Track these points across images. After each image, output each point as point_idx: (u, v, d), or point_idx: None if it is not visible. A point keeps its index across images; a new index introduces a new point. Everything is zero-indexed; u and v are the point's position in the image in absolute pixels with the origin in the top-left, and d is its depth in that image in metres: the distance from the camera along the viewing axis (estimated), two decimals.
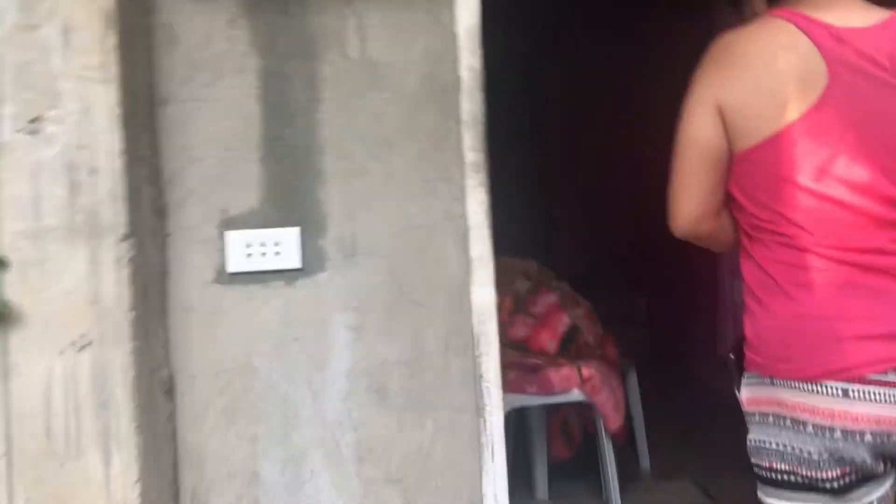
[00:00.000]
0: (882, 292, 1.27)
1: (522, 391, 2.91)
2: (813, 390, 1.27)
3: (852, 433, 1.26)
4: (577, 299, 3.33)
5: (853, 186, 1.27)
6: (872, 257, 1.28)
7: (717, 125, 1.32)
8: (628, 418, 3.38)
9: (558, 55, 5.90)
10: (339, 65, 1.77)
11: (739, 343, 1.39)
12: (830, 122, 1.26)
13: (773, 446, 1.33)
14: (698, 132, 1.34)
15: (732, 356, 1.42)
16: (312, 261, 1.75)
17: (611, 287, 5.33)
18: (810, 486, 1.29)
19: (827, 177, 1.27)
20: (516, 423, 3.39)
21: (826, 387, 1.26)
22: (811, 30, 1.29)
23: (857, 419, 1.25)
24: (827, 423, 1.27)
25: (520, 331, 3.11)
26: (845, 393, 1.25)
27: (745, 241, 1.40)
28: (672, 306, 5.30)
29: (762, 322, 1.34)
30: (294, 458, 1.75)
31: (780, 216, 1.30)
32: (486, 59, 1.81)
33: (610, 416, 2.92)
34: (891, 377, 1.25)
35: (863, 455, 1.26)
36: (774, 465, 1.32)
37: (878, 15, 1.33)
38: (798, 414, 1.29)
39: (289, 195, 1.75)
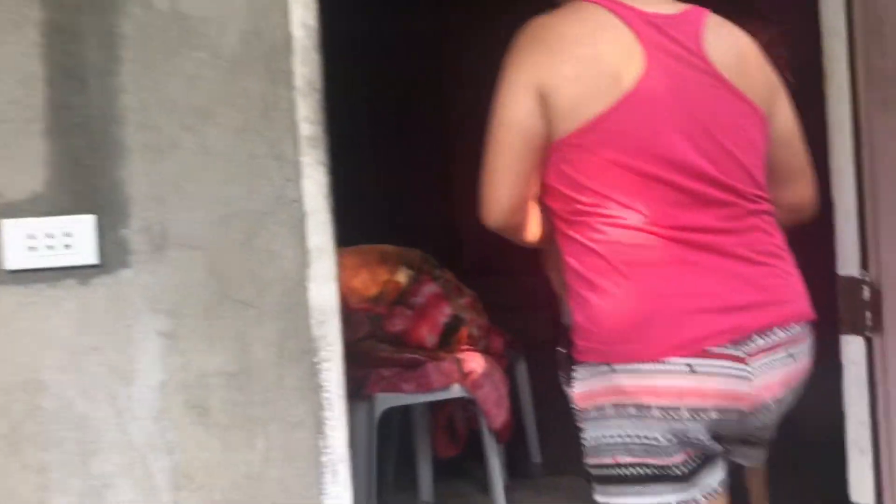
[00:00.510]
0: (713, 268, 1.26)
1: (399, 390, 2.67)
2: (656, 370, 1.23)
3: (699, 411, 1.23)
4: (461, 289, 3.10)
5: (676, 166, 1.26)
6: (700, 235, 1.26)
7: (536, 109, 1.27)
8: (518, 412, 3.20)
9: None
10: (143, 18, 1.47)
11: (568, 335, 1.33)
12: (650, 104, 1.25)
13: (617, 439, 1.26)
14: (517, 116, 1.28)
15: (563, 350, 1.34)
16: (112, 255, 1.46)
17: (513, 273, 5.11)
18: (658, 476, 1.25)
19: (651, 156, 1.25)
20: (400, 420, 3.17)
21: (670, 364, 1.22)
22: (625, 14, 1.29)
23: (704, 395, 1.23)
24: (674, 403, 1.23)
25: (398, 324, 2.86)
26: (691, 368, 1.22)
27: (564, 228, 1.33)
28: None
29: (596, 306, 1.27)
30: (95, 489, 1.46)
31: (606, 198, 1.26)
32: (325, 14, 1.55)
33: (492, 412, 2.72)
34: (730, 350, 1.24)
35: (703, 434, 1.25)
36: (620, 460, 1.26)
37: (679, 5, 1.35)
38: (641, 399, 1.24)
39: (81, 176, 1.45)
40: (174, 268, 1.48)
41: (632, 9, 1.29)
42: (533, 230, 1.38)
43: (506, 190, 1.31)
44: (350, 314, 2.93)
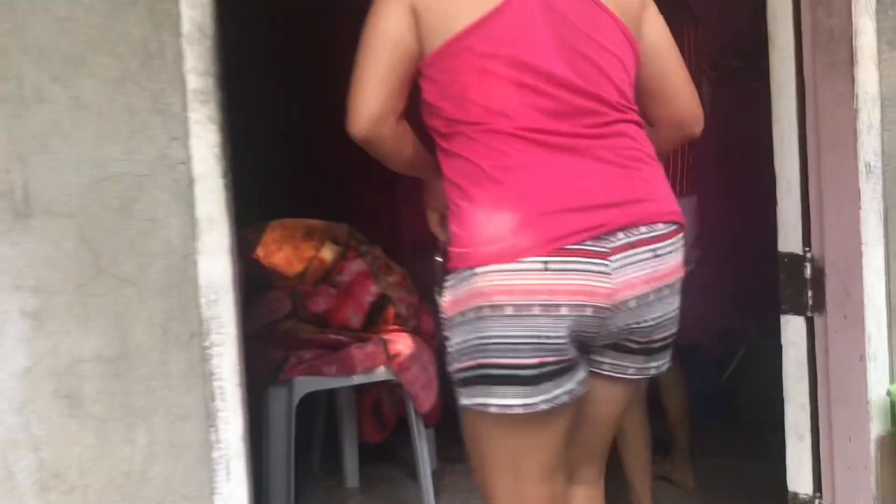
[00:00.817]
0: (578, 170, 1.28)
1: (320, 373, 2.50)
2: (511, 269, 1.23)
3: (550, 307, 1.23)
4: (390, 266, 2.94)
5: (544, 75, 1.28)
6: (568, 139, 1.28)
7: (410, 23, 1.30)
8: (450, 394, 3.06)
9: None
10: None
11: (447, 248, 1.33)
12: (519, 16, 1.28)
13: (476, 342, 1.26)
14: (389, 29, 1.30)
15: (440, 259, 1.36)
16: None
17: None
18: (509, 378, 1.24)
19: (520, 65, 1.27)
20: (326, 404, 3.01)
21: (525, 262, 1.23)
22: None
23: (553, 291, 1.23)
24: (525, 300, 1.23)
25: (321, 303, 2.68)
26: (545, 265, 1.23)
27: (443, 143, 1.34)
28: None
29: (468, 212, 1.29)
30: None
31: (478, 105, 1.28)
32: None
33: (419, 396, 2.56)
34: (589, 246, 1.24)
35: (560, 335, 1.24)
36: (481, 361, 1.26)
37: None
38: (496, 299, 1.24)
39: None
40: (40, 238, 1.29)
41: None
42: (402, 150, 1.39)
43: (373, 100, 1.31)
44: (270, 293, 2.76)
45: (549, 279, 1.23)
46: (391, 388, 2.91)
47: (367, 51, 1.31)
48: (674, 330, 1.36)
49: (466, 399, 1.29)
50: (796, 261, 1.73)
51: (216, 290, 1.36)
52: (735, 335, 3.52)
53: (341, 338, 2.59)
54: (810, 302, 1.71)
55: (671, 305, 1.34)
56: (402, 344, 2.62)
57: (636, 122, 1.36)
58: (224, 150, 1.36)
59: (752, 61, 3.47)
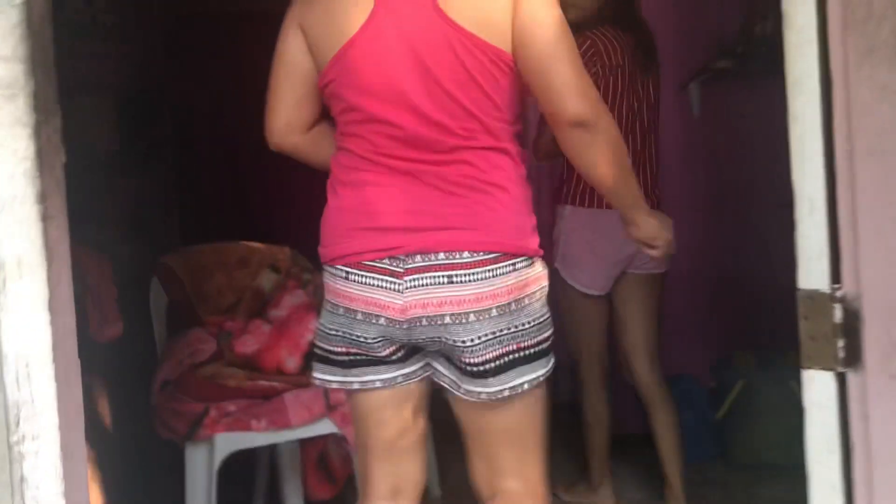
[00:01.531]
0: (396, 193, 1.42)
1: (247, 427, 2.11)
2: (331, 273, 1.49)
3: (350, 311, 1.46)
4: None
5: (393, 101, 1.40)
6: (402, 163, 1.42)
7: (300, 45, 1.47)
8: None
9: None
10: None
11: None
12: (375, 45, 1.39)
13: (320, 329, 1.55)
14: (286, 51, 1.49)
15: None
16: None
17: None
18: (328, 360, 1.53)
19: (373, 94, 1.41)
20: (268, 456, 2.61)
21: (337, 269, 1.47)
22: None
23: (351, 298, 1.45)
24: (334, 300, 1.49)
25: (250, 343, 2.29)
26: (346, 275, 1.45)
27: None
28: None
29: (324, 214, 1.52)
30: None
31: (344, 125, 1.47)
32: None
33: None
34: (385, 264, 1.42)
35: (365, 334, 1.46)
36: (318, 344, 1.56)
37: None
38: (328, 295, 1.51)
39: None
40: None
41: None
42: (318, 152, 1.58)
43: (280, 115, 1.53)
44: (190, 332, 2.36)
45: (350, 288, 1.45)
46: (338, 439, 2.53)
47: (272, 72, 1.51)
48: (491, 356, 1.40)
49: (315, 372, 1.57)
50: (822, 301, 1.35)
51: (28, 363, 0.97)
52: (731, 367, 3.16)
53: (274, 384, 2.20)
54: (842, 354, 1.32)
55: (479, 331, 1.39)
56: None
57: (491, 149, 1.41)
58: (43, 165, 0.97)
59: (741, 62, 3.21)
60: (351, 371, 1.49)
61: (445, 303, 1.39)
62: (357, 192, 1.44)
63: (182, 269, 2.51)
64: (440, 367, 1.49)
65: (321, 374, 1.54)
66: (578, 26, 2.04)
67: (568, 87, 1.37)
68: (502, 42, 1.37)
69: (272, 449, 2.54)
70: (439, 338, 1.41)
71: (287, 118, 1.50)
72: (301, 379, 2.22)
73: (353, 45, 1.39)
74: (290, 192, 3.66)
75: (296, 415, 2.14)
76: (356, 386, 1.50)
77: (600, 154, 1.42)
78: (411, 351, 1.48)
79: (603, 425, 2.63)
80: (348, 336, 1.47)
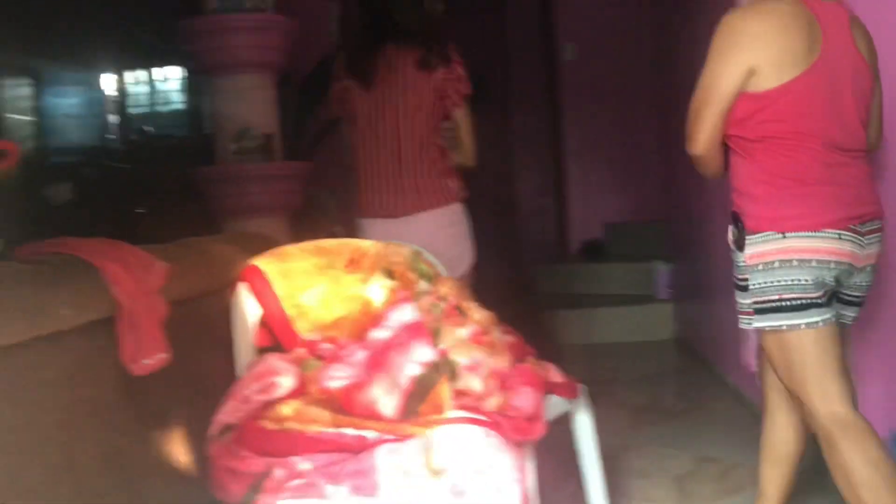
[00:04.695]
0: (846, 181, 1.92)
1: (321, 496, 1.55)
2: (819, 236, 1.86)
3: (841, 263, 1.89)
4: (466, 311, 1.93)
5: (835, 121, 1.90)
6: (846, 158, 1.93)
7: (743, 82, 1.86)
8: None
9: None
10: None
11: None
12: (825, 75, 1.87)
13: (778, 282, 1.88)
14: (730, 87, 1.87)
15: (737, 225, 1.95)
16: None
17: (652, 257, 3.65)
18: (797, 306, 1.87)
19: (821, 115, 1.88)
20: None
21: (826, 233, 1.86)
22: (815, 9, 1.88)
23: (841, 253, 1.88)
24: (825, 257, 1.87)
25: (336, 377, 1.73)
26: (839, 236, 1.86)
27: (742, 148, 1.94)
28: None
29: (774, 197, 1.91)
30: None
31: (795, 132, 1.88)
32: None
33: None
34: (856, 227, 1.89)
35: (830, 279, 1.90)
36: (781, 295, 1.88)
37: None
38: (804, 255, 1.87)
39: None
40: None
41: (821, 5, 1.89)
42: (718, 164, 2.00)
43: (707, 132, 1.92)
44: (264, 359, 1.84)
45: (837, 245, 1.86)
46: None
47: (707, 99, 1.91)
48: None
49: (764, 322, 1.91)
50: None
51: None
52: None
53: (363, 434, 1.63)
54: None
55: (870, 276, 1.99)
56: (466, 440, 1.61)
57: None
58: None
59: None
60: (823, 309, 1.87)
61: (873, 255, 1.95)
62: (826, 177, 1.90)
63: (277, 273, 2.01)
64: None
65: (787, 321, 1.87)
66: None
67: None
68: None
69: None
70: (857, 282, 1.96)
71: (716, 135, 1.95)
72: (399, 428, 1.63)
73: (811, 70, 1.87)
74: None
75: (388, 480, 1.55)
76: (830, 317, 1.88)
77: None
78: (832, 296, 1.94)
79: None
80: (820, 283, 1.86)
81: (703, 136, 1.89)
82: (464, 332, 1.88)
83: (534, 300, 5.30)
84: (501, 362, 1.89)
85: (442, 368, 1.73)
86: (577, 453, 2.20)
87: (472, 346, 1.85)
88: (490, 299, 2.12)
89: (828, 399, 1.83)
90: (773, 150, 1.87)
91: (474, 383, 1.79)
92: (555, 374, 2.08)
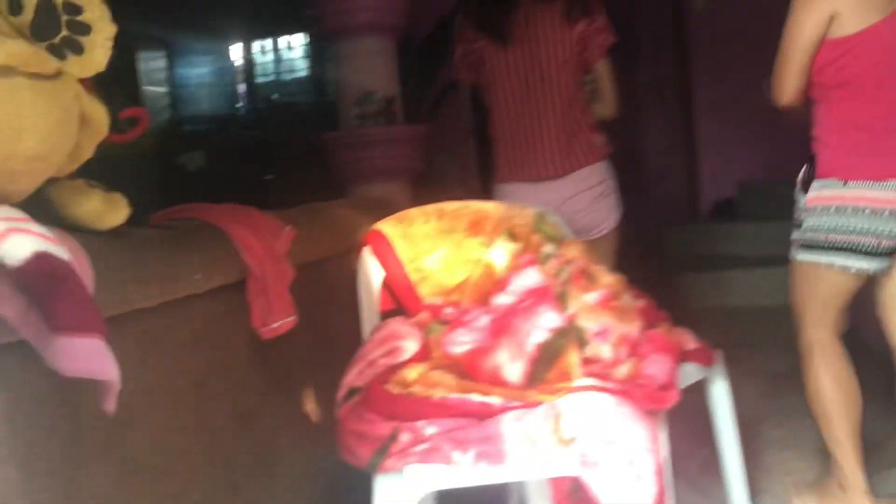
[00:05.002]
0: None
1: (448, 461, 1.53)
2: (880, 186, 1.94)
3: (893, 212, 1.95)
4: (594, 276, 1.86)
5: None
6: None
7: (825, 28, 1.90)
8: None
9: None
10: None
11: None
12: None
13: (833, 224, 2.01)
14: (813, 34, 1.90)
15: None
16: None
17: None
18: (852, 249, 2.00)
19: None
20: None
21: (889, 184, 1.93)
22: None
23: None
24: (880, 206, 1.94)
25: (461, 342, 1.70)
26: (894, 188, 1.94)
27: (821, 96, 2.01)
28: None
29: (838, 145, 2.00)
30: None
31: (871, 79, 1.91)
32: None
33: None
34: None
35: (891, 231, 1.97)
36: (834, 237, 2.02)
37: None
38: (860, 203, 1.97)
39: None
40: None
41: None
42: (805, 116, 2.04)
43: (792, 82, 1.97)
44: (388, 323, 1.83)
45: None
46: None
47: (791, 50, 1.97)
48: None
49: (809, 256, 2.10)
50: None
51: None
52: None
53: (488, 401, 1.60)
54: None
55: None
56: (592, 410, 1.56)
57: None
58: None
59: None
60: (862, 257, 1.97)
61: None
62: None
63: (399, 236, 1.99)
64: None
65: (841, 262, 2.00)
66: None
67: None
68: None
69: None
70: None
71: (801, 82, 2.02)
72: (527, 394, 1.59)
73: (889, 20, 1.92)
74: None
75: (515, 448, 1.52)
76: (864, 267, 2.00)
77: None
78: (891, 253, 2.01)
79: None
80: (882, 232, 1.94)
81: (789, 85, 1.95)
82: (592, 296, 1.81)
83: (663, 262, 5.13)
84: (632, 328, 1.81)
85: (569, 335, 1.67)
86: (710, 421, 2.10)
87: (601, 311, 1.77)
88: (618, 261, 2.04)
89: (820, 326, 2.10)
90: (848, 97, 1.91)
91: (603, 350, 1.73)
92: (689, 340, 1.98)
